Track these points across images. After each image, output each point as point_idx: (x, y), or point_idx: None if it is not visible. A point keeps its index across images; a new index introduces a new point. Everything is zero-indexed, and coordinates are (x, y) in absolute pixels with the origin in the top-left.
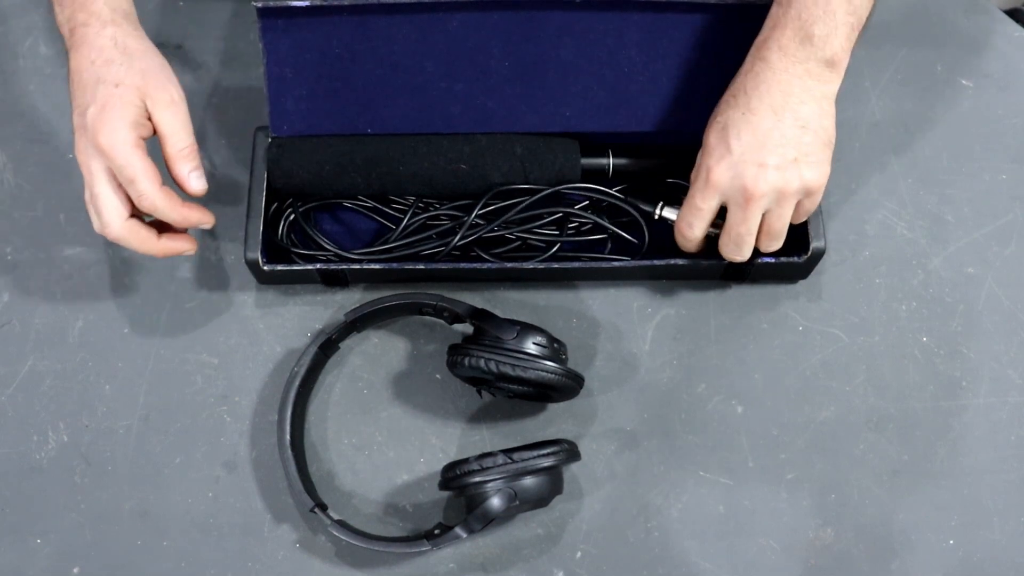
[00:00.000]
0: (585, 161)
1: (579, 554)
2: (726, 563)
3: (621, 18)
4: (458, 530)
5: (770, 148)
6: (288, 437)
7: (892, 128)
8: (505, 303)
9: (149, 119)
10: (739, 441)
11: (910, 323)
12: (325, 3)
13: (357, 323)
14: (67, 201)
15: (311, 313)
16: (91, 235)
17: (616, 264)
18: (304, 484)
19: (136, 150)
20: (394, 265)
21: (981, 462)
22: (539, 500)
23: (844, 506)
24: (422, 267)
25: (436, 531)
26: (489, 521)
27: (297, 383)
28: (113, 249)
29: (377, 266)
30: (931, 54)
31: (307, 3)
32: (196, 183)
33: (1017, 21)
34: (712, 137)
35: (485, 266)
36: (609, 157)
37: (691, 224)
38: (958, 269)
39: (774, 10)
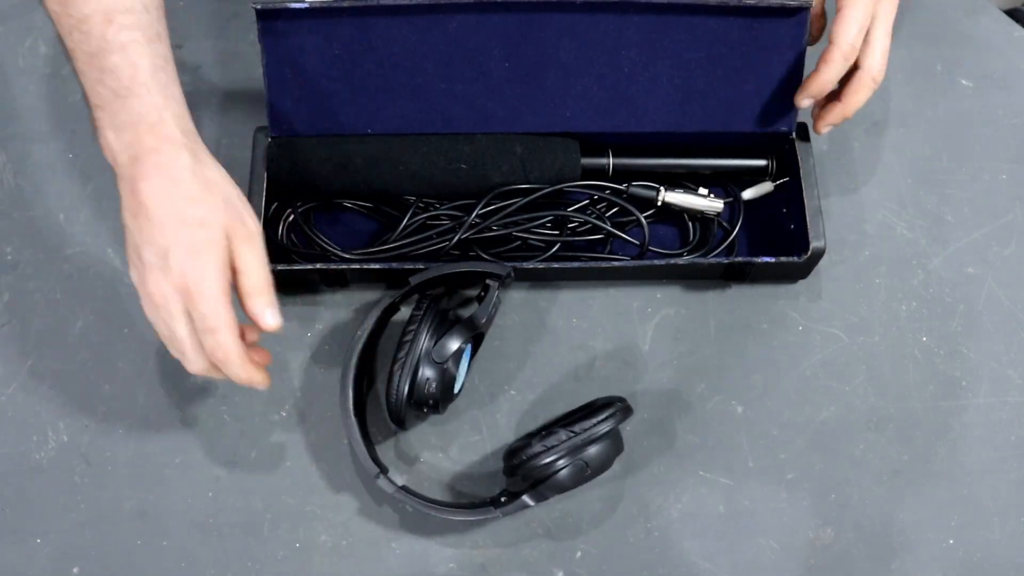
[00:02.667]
0: (585, 161)
1: (579, 554)
2: (726, 563)
3: (621, 19)
4: (526, 498)
5: None
6: (351, 403)
7: (892, 128)
8: (506, 303)
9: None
10: (739, 441)
11: (910, 323)
12: (324, 4)
13: (420, 288)
14: (67, 201)
15: (311, 313)
16: (91, 235)
17: (616, 264)
18: (368, 450)
19: (225, 299)
20: (394, 265)
21: (981, 462)
22: (606, 464)
23: (844, 506)
24: (422, 267)
25: (503, 499)
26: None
27: (359, 347)
28: (113, 249)
29: (377, 266)
30: (931, 54)
31: (305, 5)
32: (272, 319)
33: (1017, 21)
34: None
35: None
36: (609, 157)
37: (854, 44)
38: (958, 269)
39: None
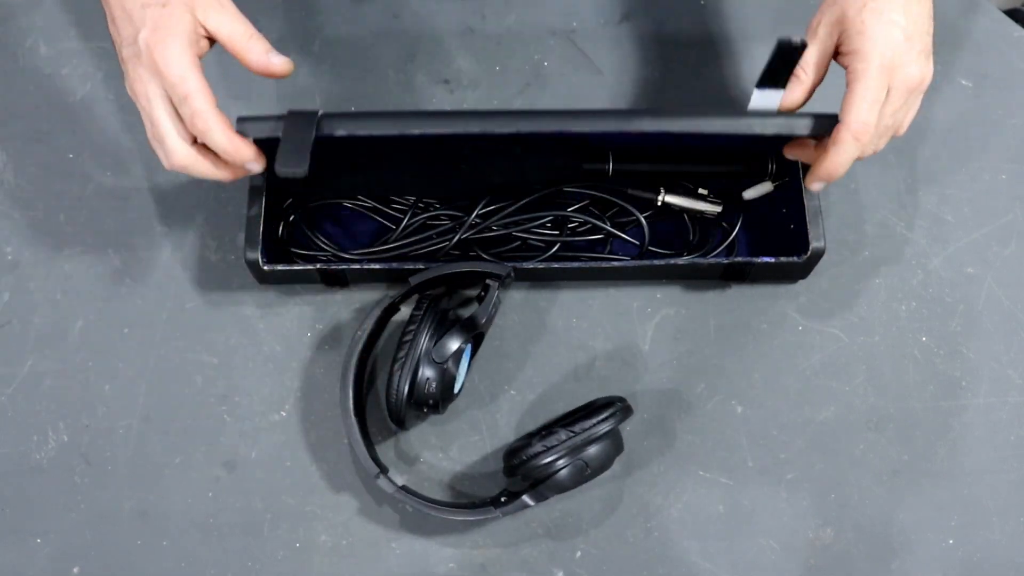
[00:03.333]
0: (586, 165)
1: (579, 554)
2: (726, 563)
3: None
4: (526, 498)
5: (922, 31)
6: (351, 402)
7: None
8: (506, 303)
9: (203, 34)
10: (739, 441)
11: (910, 323)
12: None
13: (420, 288)
14: (67, 201)
15: (311, 313)
16: (91, 235)
17: (616, 264)
18: (368, 450)
19: (192, 67)
20: (394, 265)
21: (981, 462)
22: (606, 464)
23: (844, 506)
24: (422, 267)
25: (503, 498)
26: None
27: (359, 347)
28: (113, 249)
29: (377, 266)
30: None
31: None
32: (278, 61)
33: (1017, 21)
34: (870, 19)
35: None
36: (609, 161)
37: (867, 122)
38: (958, 269)
39: None
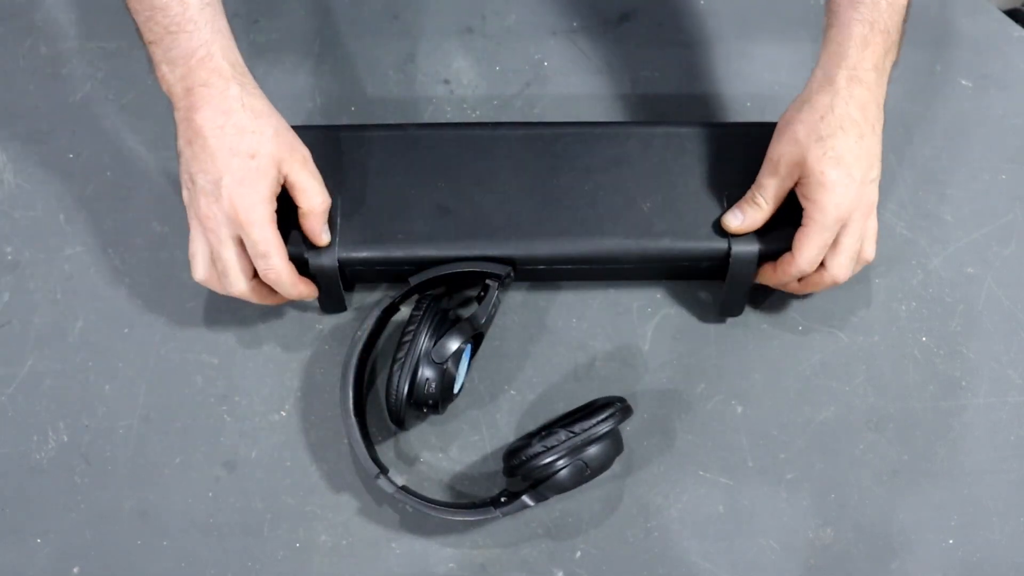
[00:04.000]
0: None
1: (579, 554)
2: (726, 563)
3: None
4: (526, 499)
5: (875, 163)
6: (351, 403)
7: (892, 128)
8: (506, 303)
9: (282, 182)
10: (739, 441)
11: (910, 323)
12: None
13: (419, 288)
14: (67, 201)
15: (311, 313)
16: (91, 235)
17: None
18: (368, 450)
19: (272, 226)
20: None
21: (981, 462)
22: (606, 464)
23: (844, 506)
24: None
25: (503, 499)
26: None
27: (359, 347)
28: (113, 249)
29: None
30: (931, 54)
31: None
32: (326, 236)
33: (1017, 21)
34: (830, 171)
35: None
36: None
37: (813, 262)
38: (958, 269)
39: (854, 28)
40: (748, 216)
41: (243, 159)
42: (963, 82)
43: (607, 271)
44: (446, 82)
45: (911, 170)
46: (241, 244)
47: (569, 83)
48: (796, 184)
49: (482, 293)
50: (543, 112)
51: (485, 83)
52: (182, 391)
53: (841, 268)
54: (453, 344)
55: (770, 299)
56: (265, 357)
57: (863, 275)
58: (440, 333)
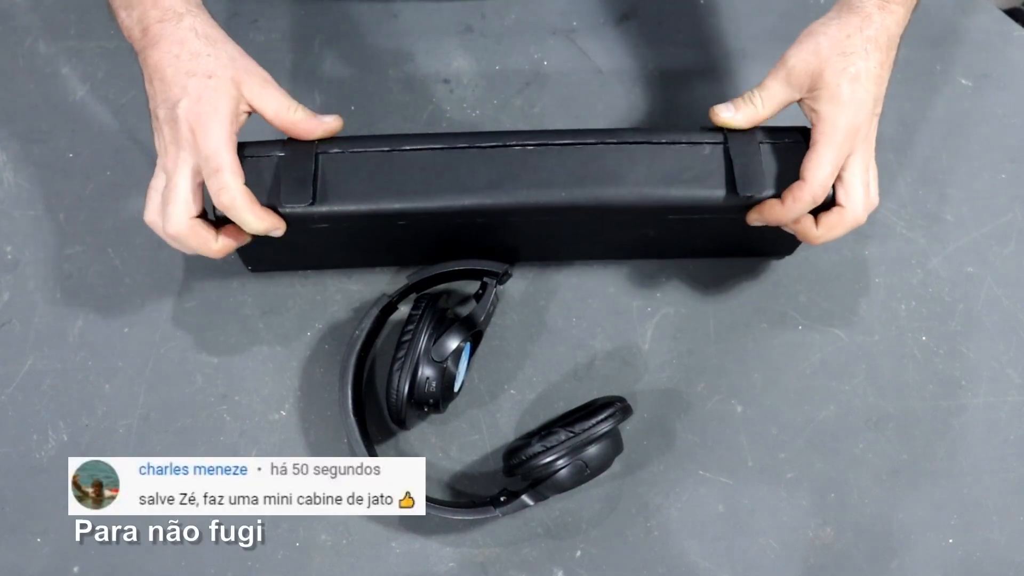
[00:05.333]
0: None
1: (579, 553)
2: (726, 562)
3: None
4: (526, 498)
5: (882, 98)
6: (350, 402)
7: (891, 127)
8: (505, 302)
9: (246, 109)
10: (739, 440)
11: (910, 322)
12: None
13: (417, 286)
14: (67, 201)
15: (310, 312)
16: (91, 235)
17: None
18: (368, 449)
19: (228, 144)
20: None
21: (981, 462)
22: (605, 464)
23: (844, 505)
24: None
25: (502, 498)
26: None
27: (358, 347)
28: (113, 248)
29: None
30: (931, 54)
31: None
32: (328, 119)
33: (1017, 21)
34: (847, 86)
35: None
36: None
37: (825, 185)
38: (957, 269)
39: None
40: (741, 111)
41: (200, 79)
42: (963, 81)
43: (608, 234)
44: (446, 82)
45: (911, 170)
46: (198, 176)
47: (569, 83)
48: (803, 99)
49: (480, 291)
50: (543, 111)
51: (485, 83)
52: (182, 391)
53: (855, 201)
54: (453, 343)
55: (770, 299)
56: (265, 357)
57: (863, 275)
58: (439, 332)
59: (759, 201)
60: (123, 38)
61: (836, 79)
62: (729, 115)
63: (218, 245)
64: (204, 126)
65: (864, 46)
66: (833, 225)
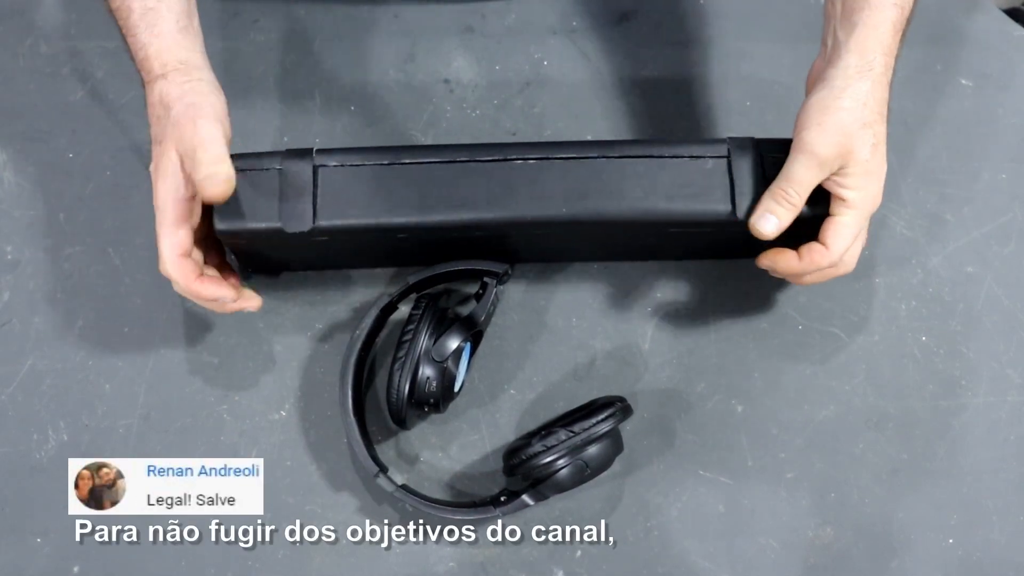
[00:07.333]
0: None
1: (579, 553)
2: (726, 562)
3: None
4: (526, 498)
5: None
6: (350, 402)
7: (891, 127)
8: (506, 302)
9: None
10: (738, 440)
11: (909, 322)
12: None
13: (418, 286)
14: (67, 201)
15: (310, 313)
16: (91, 235)
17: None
18: (368, 449)
19: (172, 206)
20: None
21: (981, 461)
22: (606, 464)
23: (843, 505)
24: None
25: (502, 498)
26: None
27: (358, 347)
28: (113, 248)
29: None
30: (931, 53)
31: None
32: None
33: (1017, 21)
34: (875, 159)
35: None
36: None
37: (844, 251)
38: (957, 268)
39: (889, 12)
40: (783, 217)
41: (155, 146)
42: (963, 81)
43: (606, 238)
44: (446, 81)
45: (911, 169)
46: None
47: (569, 83)
48: (832, 174)
49: (480, 291)
50: (543, 112)
51: (485, 82)
52: (182, 391)
53: (853, 259)
54: (453, 342)
55: (770, 299)
56: (265, 357)
57: (863, 274)
58: (440, 332)
59: None
60: (123, 38)
61: (865, 154)
62: (773, 227)
63: (203, 288)
64: (158, 191)
65: (879, 110)
66: (824, 275)
